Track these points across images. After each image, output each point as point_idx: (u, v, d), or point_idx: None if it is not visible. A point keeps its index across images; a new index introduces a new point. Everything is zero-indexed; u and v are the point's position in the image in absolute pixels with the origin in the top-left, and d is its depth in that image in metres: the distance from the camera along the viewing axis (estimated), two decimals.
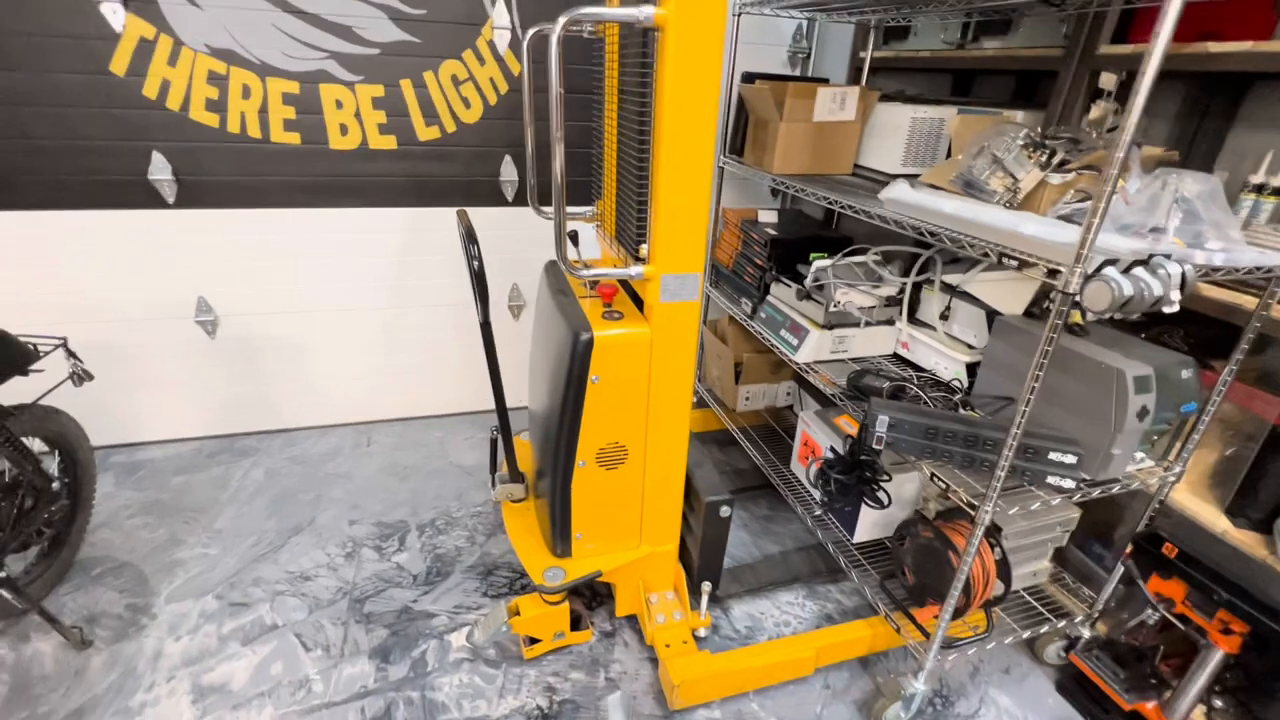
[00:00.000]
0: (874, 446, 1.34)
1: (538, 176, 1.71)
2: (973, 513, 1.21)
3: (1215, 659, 1.26)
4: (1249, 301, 1.25)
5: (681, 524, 1.62)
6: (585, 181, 2.31)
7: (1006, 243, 1.14)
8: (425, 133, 2.14)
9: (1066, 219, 1.20)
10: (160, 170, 1.98)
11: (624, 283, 1.55)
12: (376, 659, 1.55)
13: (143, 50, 1.84)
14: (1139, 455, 1.32)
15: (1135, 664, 1.43)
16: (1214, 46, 1.32)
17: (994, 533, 1.38)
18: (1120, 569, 1.46)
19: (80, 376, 1.65)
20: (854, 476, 1.56)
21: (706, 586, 1.60)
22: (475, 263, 1.38)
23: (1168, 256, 0.98)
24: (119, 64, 1.84)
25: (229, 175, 2.04)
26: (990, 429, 1.25)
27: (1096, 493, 1.26)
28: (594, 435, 1.40)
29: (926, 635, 1.40)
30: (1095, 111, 1.39)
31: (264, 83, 1.96)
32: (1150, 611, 1.38)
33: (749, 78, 2.00)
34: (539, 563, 1.55)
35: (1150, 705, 1.39)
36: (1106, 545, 1.69)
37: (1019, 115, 1.68)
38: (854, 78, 2.34)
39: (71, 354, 1.63)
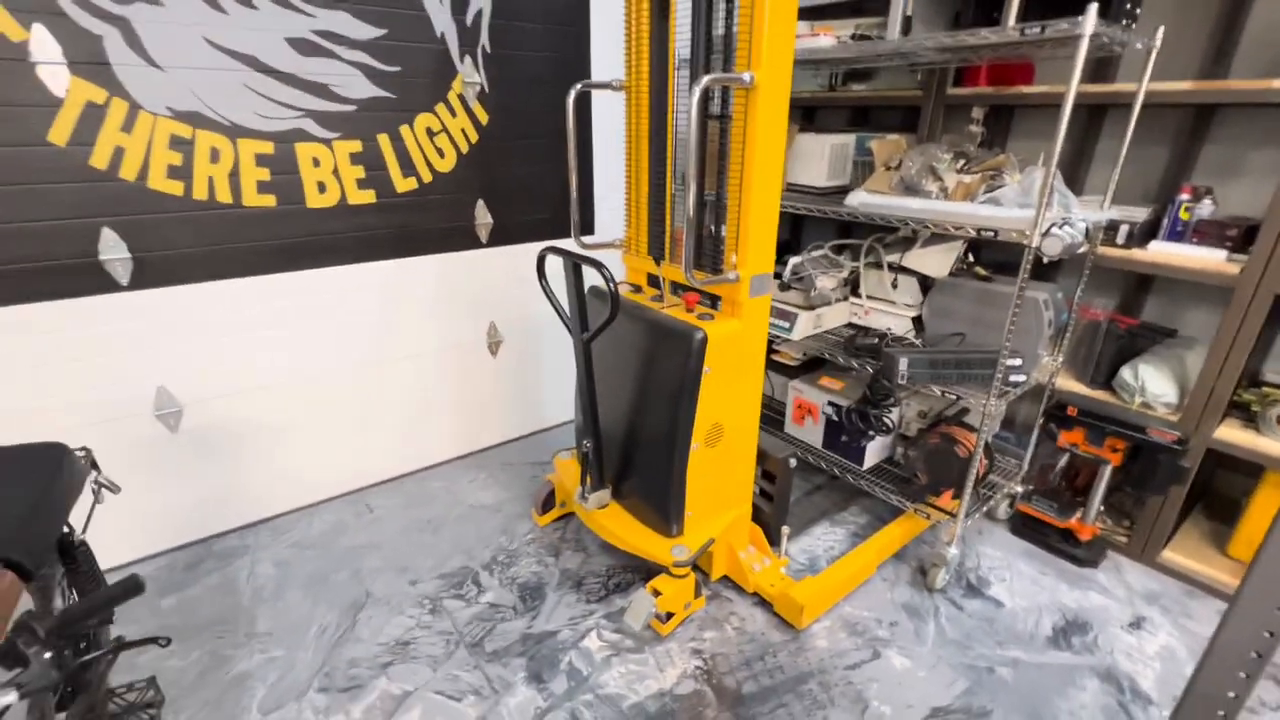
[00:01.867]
0: (898, 383, 1.81)
1: (581, 213, 1.87)
2: (979, 411, 1.75)
3: (1108, 471, 1.96)
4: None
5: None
6: (542, 219, 2.52)
7: (974, 223, 1.70)
8: (403, 184, 2.16)
9: (992, 200, 1.80)
10: (112, 249, 1.73)
11: (680, 288, 1.83)
12: (533, 684, 1.61)
13: (90, 116, 1.63)
14: (1043, 354, 1.99)
15: (1059, 495, 2.11)
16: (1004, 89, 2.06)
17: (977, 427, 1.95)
18: (1036, 437, 2.14)
19: (104, 487, 1.43)
20: (867, 413, 2.03)
21: (786, 529, 1.93)
22: (576, 290, 1.56)
23: (1069, 220, 1.60)
24: (59, 133, 1.61)
25: (195, 246, 1.85)
26: (972, 353, 1.80)
27: (1031, 383, 1.89)
28: (704, 419, 1.66)
29: (951, 515, 1.92)
30: (972, 130, 2.06)
31: (235, 144, 1.84)
32: (1064, 456, 2.07)
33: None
34: (660, 546, 1.75)
35: (1074, 519, 2.06)
36: (1010, 429, 2.40)
37: (901, 138, 2.33)
38: None
39: (95, 464, 1.41)
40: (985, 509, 2.09)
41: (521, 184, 2.42)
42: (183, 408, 1.96)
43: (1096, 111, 2.14)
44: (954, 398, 1.84)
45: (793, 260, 2.21)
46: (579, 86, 1.74)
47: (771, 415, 2.58)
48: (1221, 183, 1.98)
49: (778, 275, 2.23)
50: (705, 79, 1.33)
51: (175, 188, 1.78)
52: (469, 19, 2.13)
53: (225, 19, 1.75)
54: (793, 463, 1.90)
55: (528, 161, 2.41)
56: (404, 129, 2.11)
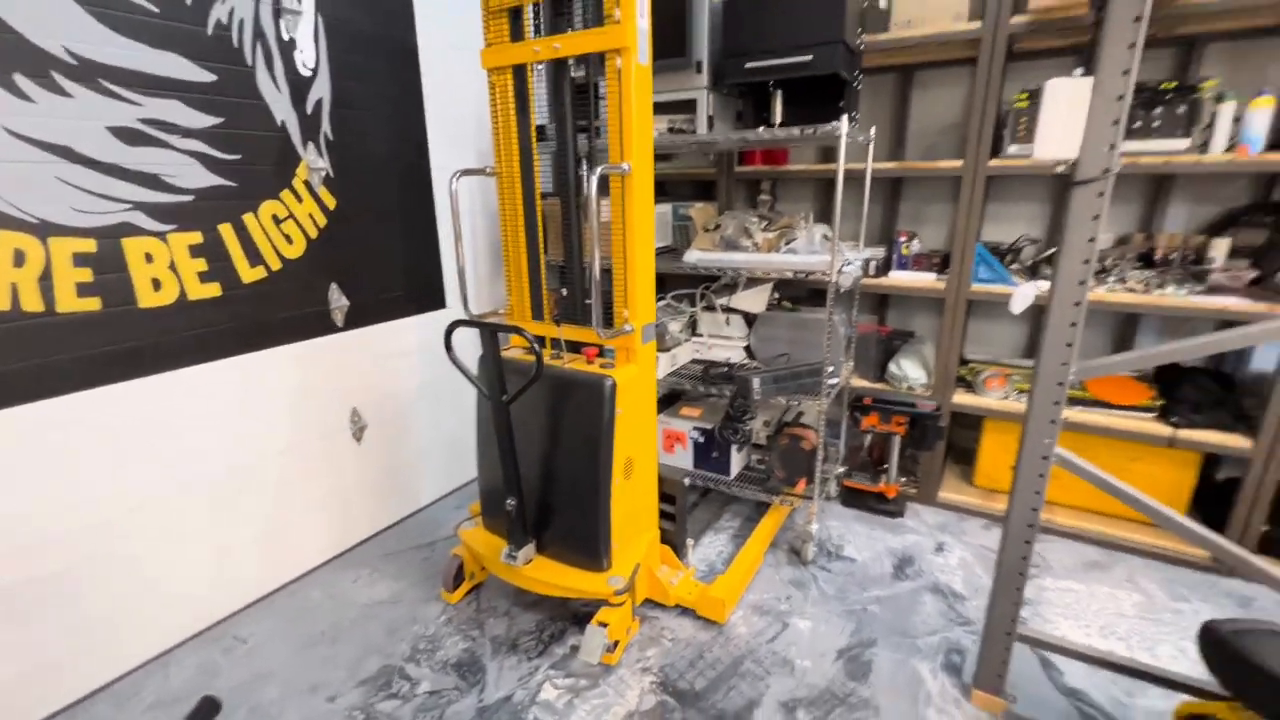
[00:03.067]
0: (755, 399, 2.24)
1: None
2: (815, 412, 2.24)
3: (897, 441, 2.62)
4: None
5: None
6: (396, 296, 2.54)
7: (786, 267, 2.21)
8: (250, 274, 2.03)
9: (790, 251, 2.36)
10: None
11: (573, 345, 2.03)
12: None
13: None
14: (843, 362, 2.60)
15: (869, 468, 2.73)
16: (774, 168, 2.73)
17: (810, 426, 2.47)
18: (846, 426, 2.75)
19: None
20: (734, 427, 2.43)
21: (691, 542, 2.20)
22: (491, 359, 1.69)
23: (850, 260, 2.20)
24: None
25: None
26: (802, 367, 2.30)
27: (840, 385, 2.47)
28: (619, 456, 1.87)
29: (808, 498, 2.38)
30: (764, 198, 2.65)
31: (45, 245, 1.59)
32: (868, 436, 2.69)
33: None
34: (596, 581, 1.88)
35: (882, 484, 2.69)
36: (826, 424, 3.01)
37: (709, 206, 2.87)
38: None
39: None
40: (824, 491, 2.61)
41: (374, 264, 2.41)
42: None
43: (832, 182, 2.91)
44: (796, 404, 2.32)
45: None
46: (459, 173, 1.88)
47: None
48: (918, 227, 2.85)
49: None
50: (600, 169, 1.61)
51: None
52: (309, 108, 2.12)
53: (31, 107, 1.54)
54: (687, 482, 2.19)
55: (378, 241, 2.41)
56: (248, 217, 2.00)
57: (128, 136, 1.71)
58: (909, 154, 2.82)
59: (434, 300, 2.71)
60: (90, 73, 1.63)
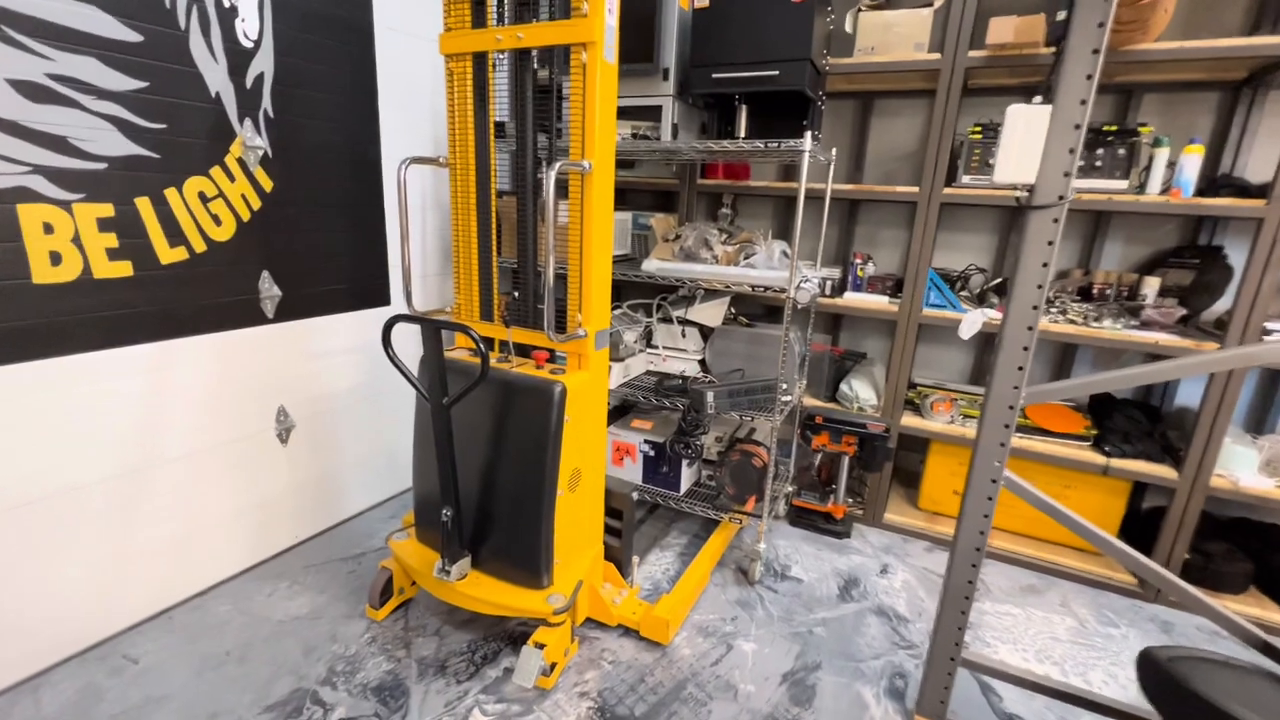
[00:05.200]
0: (709, 414, 2.19)
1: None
2: (768, 428, 2.21)
3: (846, 461, 2.62)
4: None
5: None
6: (336, 290, 2.39)
7: (745, 281, 2.19)
8: (169, 254, 1.86)
9: (749, 265, 2.34)
10: None
11: (522, 349, 1.94)
12: None
13: None
14: (797, 379, 2.59)
15: (817, 487, 2.73)
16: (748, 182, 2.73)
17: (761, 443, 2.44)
18: (796, 444, 2.74)
19: None
20: (686, 441, 2.37)
21: (636, 559, 2.12)
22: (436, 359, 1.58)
23: (808, 278, 2.19)
24: None
25: None
26: (757, 383, 2.27)
27: (794, 402, 2.45)
28: (566, 466, 1.78)
29: (757, 516, 2.34)
30: (725, 211, 2.63)
31: None
32: (818, 455, 2.69)
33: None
34: (534, 600, 1.78)
35: (830, 504, 2.68)
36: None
37: (670, 216, 2.84)
38: None
39: None
40: (773, 510, 2.58)
41: (312, 254, 2.26)
42: None
43: (792, 200, 2.94)
44: (748, 420, 2.29)
45: None
46: (408, 160, 1.78)
47: None
48: (872, 250, 2.89)
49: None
50: (558, 164, 1.54)
51: None
52: (249, 81, 1.98)
53: None
54: (634, 496, 2.11)
55: (318, 231, 2.26)
56: (170, 193, 1.83)
57: (32, 92, 1.54)
58: (867, 178, 2.87)
59: (377, 296, 2.56)
60: None
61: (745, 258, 2.38)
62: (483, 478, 1.85)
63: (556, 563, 1.83)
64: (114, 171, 1.70)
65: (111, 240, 1.72)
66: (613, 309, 2.64)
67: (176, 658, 1.82)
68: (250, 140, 2.01)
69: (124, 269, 1.76)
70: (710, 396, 2.19)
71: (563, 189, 1.71)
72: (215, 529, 2.11)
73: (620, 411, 2.78)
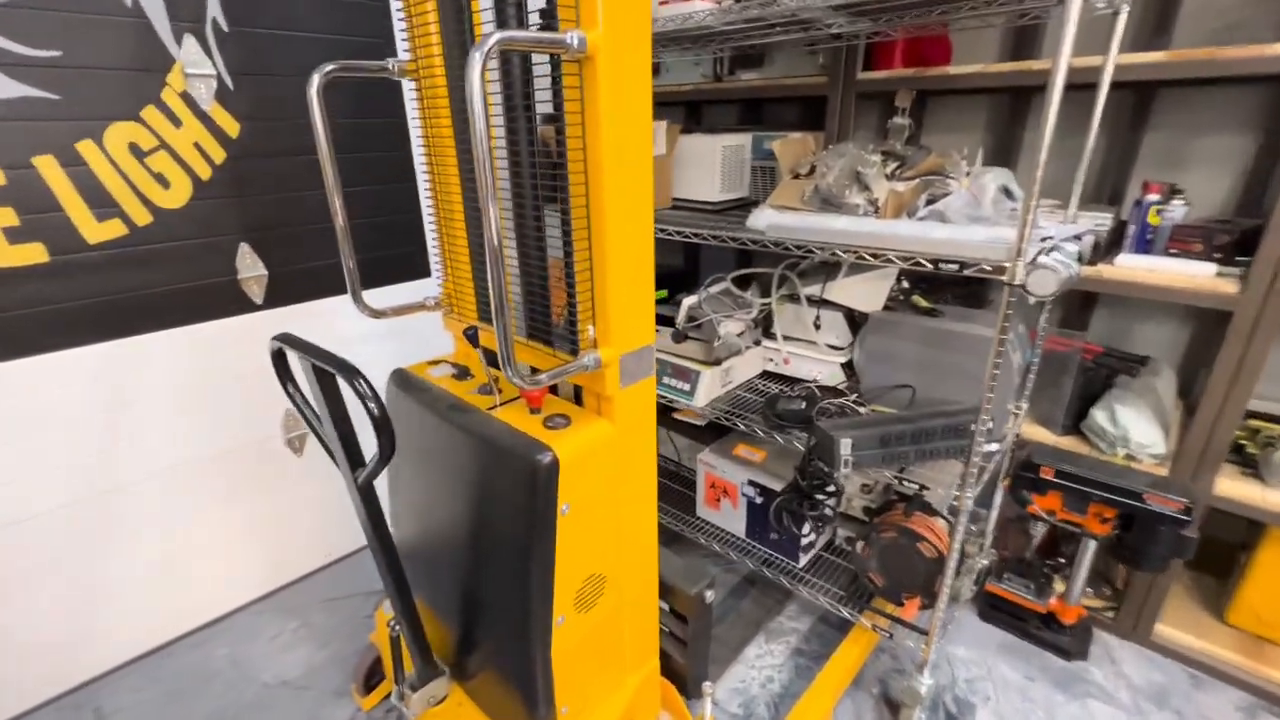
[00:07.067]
0: (843, 472, 1.31)
1: (357, 257, 1.26)
2: (955, 501, 1.27)
3: (1092, 546, 1.57)
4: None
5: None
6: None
7: (928, 251, 1.22)
8: (97, 231, 1.42)
9: (935, 214, 1.34)
10: None
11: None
12: None
13: None
14: (1011, 407, 1.57)
15: (1031, 568, 1.71)
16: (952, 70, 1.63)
17: (936, 512, 1.49)
18: (998, 502, 1.72)
19: None
20: (806, 504, 1.53)
21: (708, 687, 1.38)
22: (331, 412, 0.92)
23: (1057, 244, 1.15)
24: None
25: None
26: (935, 420, 1.32)
27: (1002, 452, 1.45)
28: (570, 578, 1.07)
29: (920, 630, 1.44)
30: (898, 121, 1.60)
31: None
32: (1038, 526, 1.66)
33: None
34: None
35: (1053, 600, 1.66)
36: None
37: (808, 136, 1.86)
38: None
39: None
40: (950, 614, 1.64)
41: (305, 219, 1.73)
42: None
43: (1020, 96, 1.77)
44: (917, 485, 1.37)
45: (687, 301, 1.68)
46: (328, 69, 1.09)
47: (677, 491, 2.04)
48: (1179, 177, 1.64)
49: (670, 322, 1.69)
50: (494, 37, 0.74)
51: None
52: None
53: None
54: (709, 596, 1.35)
55: (309, 188, 1.72)
56: (85, 146, 1.37)
57: None
58: (1178, 42, 1.59)
59: (410, 268, 2.01)
60: None
61: (929, 203, 1.37)
62: (462, 562, 1.22)
63: (562, 710, 1.16)
64: None
65: (8, 217, 1.31)
66: (710, 283, 1.80)
67: (147, 717, 1.51)
68: (195, 65, 1.48)
69: (34, 254, 1.35)
70: (846, 446, 1.30)
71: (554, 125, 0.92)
72: (219, 554, 1.78)
73: (719, 429, 1.98)
